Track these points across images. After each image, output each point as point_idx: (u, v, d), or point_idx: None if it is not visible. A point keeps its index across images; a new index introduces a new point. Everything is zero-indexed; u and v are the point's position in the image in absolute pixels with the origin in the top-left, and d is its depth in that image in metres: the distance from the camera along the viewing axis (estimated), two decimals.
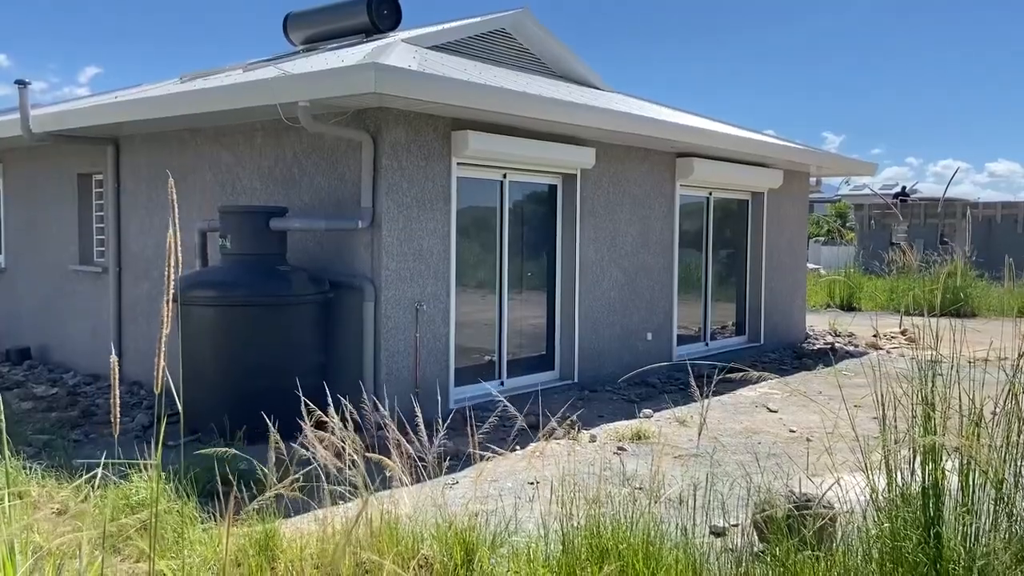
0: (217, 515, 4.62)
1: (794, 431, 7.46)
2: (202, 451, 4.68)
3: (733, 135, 10.65)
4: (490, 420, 7.90)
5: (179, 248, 2.73)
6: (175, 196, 2.86)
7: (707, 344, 11.92)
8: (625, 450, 6.68)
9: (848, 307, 20.12)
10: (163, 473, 5.27)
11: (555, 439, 6.96)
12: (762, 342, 12.72)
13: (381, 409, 7.07)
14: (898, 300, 19.72)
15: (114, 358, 2.86)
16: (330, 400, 4.66)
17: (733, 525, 4.58)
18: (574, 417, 7.59)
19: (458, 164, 7.98)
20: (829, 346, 13.18)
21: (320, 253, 7.78)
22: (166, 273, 2.54)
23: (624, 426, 7.38)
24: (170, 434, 7.24)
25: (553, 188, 9.37)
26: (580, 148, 9.09)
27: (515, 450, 6.64)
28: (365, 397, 7.45)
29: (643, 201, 10.35)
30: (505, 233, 8.76)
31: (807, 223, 14.33)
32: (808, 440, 7.07)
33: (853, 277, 21.12)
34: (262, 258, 7.02)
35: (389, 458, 4.33)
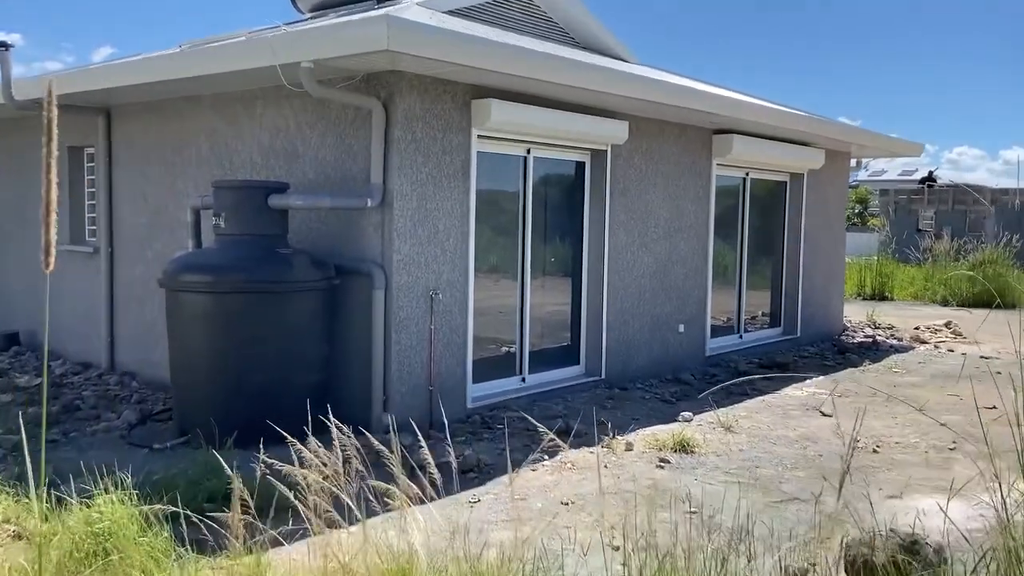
0: (195, 545, 3.88)
1: (857, 441, 6.65)
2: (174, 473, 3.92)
3: (778, 110, 9.80)
4: (513, 423, 7.17)
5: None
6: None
7: (741, 336, 11.12)
8: (668, 462, 5.89)
9: (880, 296, 19.23)
10: (141, 487, 4.53)
11: (586, 447, 6.20)
12: (798, 334, 11.91)
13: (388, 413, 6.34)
14: (934, 289, 18.84)
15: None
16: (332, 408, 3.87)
17: (811, 564, 3.80)
18: (605, 420, 6.84)
19: (478, 137, 7.18)
20: (870, 339, 12.35)
21: (325, 235, 7.02)
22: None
23: (663, 432, 6.61)
24: (158, 435, 6.53)
25: (580, 166, 8.56)
26: (612, 122, 8.27)
27: (543, 460, 5.88)
28: (373, 395, 6.73)
29: (677, 181, 9.54)
30: (528, 214, 7.97)
31: (846, 207, 13.46)
32: (875, 451, 6.29)
33: (885, 265, 20.21)
34: (260, 239, 6.27)
35: (399, 474, 3.59)
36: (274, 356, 6.08)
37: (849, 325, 13.56)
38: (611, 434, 6.46)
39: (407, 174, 6.61)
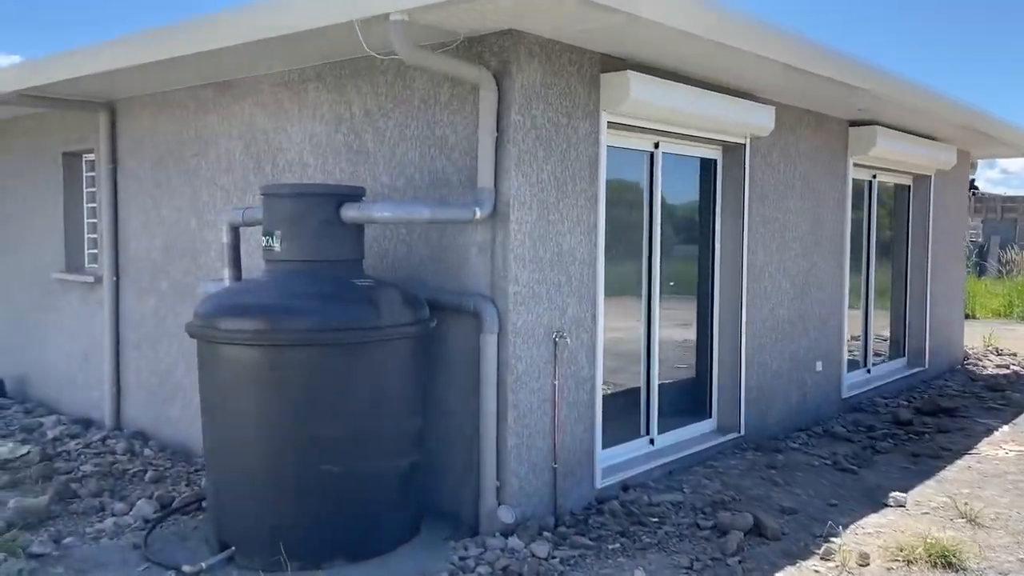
0: None
1: None
2: None
3: (940, 95, 7.90)
4: (668, 514, 5.29)
5: None
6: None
7: (868, 371, 9.27)
8: None
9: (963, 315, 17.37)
10: None
11: (798, 558, 4.35)
12: (926, 366, 10.06)
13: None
14: (1023, 306, 17.02)
15: None
16: None
17: None
18: (792, 506, 5.01)
19: (608, 124, 5.38)
20: (1006, 369, 10.51)
21: (404, 260, 5.21)
22: None
23: (882, 526, 4.77)
24: (186, 541, 4.68)
25: (709, 164, 6.75)
26: (758, 106, 6.48)
27: None
28: (483, 482, 4.89)
29: (815, 184, 7.73)
30: (656, 227, 6.15)
31: (968, 215, 11.65)
32: None
33: (967, 281, 18.35)
34: (330, 267, 4.45)
35: None
36: (352, 433, 4.25)
37: (969, 352, 11.71)
38: (820, 534, 4.62)
39: (526, 174, 4.80)
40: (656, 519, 4.90)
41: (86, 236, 8.06)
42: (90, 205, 7.96)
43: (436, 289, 4.98)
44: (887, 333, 9.87)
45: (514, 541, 4.54)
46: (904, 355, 10.12)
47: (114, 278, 7.35)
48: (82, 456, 6.40)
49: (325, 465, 4.18)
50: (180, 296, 6.75)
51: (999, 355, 11.68)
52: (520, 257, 4.78)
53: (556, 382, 5.04)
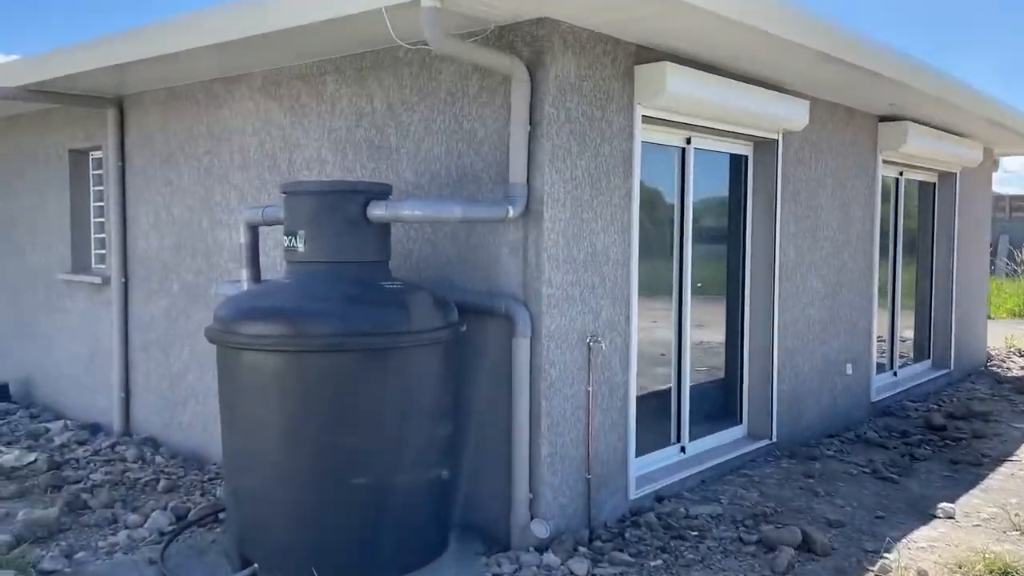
0: None
1: None
2: None
3: (971, 89, 7.66)
4: (708, 527, 5.05)
5: None
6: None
7: (895, 374, 9.03)
8: None
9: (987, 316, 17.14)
10: None
11: (848, 573, 4.12)
12: (951, 368, 9.82)
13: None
14: None
15: None
16: None
17: None
18: (839, 519, 4.77)
19: (643, 118, 5.15)
20: None
21: (429, 260, 4.98)
22: None
23: (934, 539, 4.55)
24: (205, 555, 4.45)
25: (739, 160, 6.51)
26: (793, 100, 6.25)
27: None
28: (515, 493, 4.66)
29: (844, 181, 7.50)
30: (688, 226, 5.92)
31: (990, 214, 11.41)
32: None
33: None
34: (357, 268, 4.21)
35: None
36: (380, 443, 4.02)
37: (992, 354, 11.47)
38: (872, 549, 4.39)
39: (560, 170, 4.57)
40: (696, 533, 4.67)
41: (93, 236, 7.83)
42: (97, 204, 7.74)
43: (464, 291, 4.75)
44: (911, 335, 9.63)
45: (550, 557, 4.31)
46: (929, 357, 9.89)
47: (122, 279, 7.12)
48: (91, 464, 6.17)
49: (353, 477, 3.95)
50: (192, 298, 6.53)
51: (1022, 356, 11.43)
52: (554, 257, 4.55)
53: (590, 388, 4.81)
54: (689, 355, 6.00)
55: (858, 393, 7.84)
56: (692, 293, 5.99)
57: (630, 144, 5.04)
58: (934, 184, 9.79)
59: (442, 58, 4.82)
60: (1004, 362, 10.96)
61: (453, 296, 4.60)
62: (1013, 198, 32.68)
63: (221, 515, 4.99)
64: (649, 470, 5.54)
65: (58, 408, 7.93)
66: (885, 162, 8.24)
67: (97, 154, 7.64)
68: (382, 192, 4.36)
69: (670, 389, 5.95)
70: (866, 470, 5.97)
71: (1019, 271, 18.87)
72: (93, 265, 7.82)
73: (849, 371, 7.63)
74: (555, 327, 4.58)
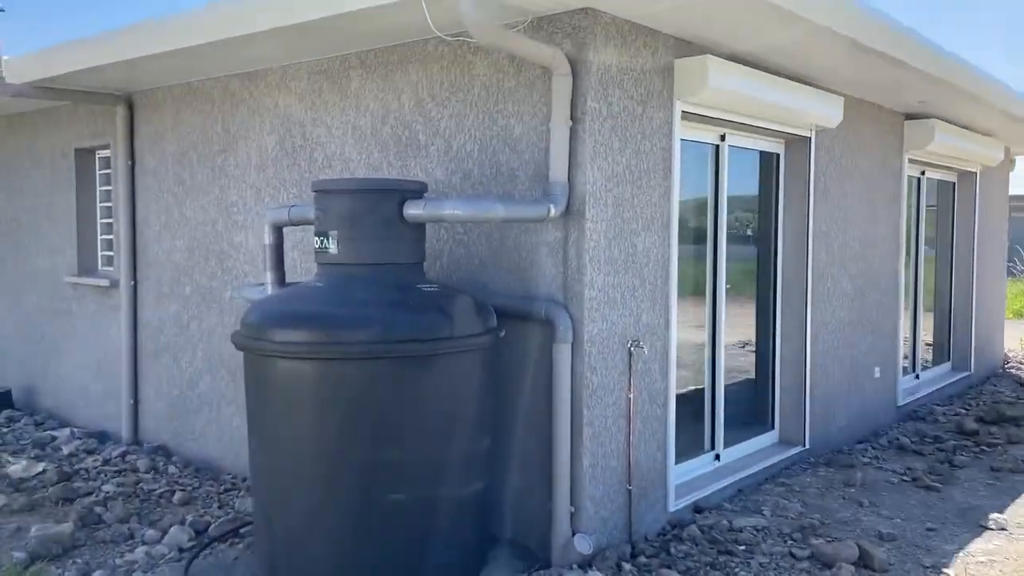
0: None
1: None
2: None
3: (998, 82, 7.46)
4: (755, 541, 4.84)
5: None
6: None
7: (917, 376, 8.87)
8: None
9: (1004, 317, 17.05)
10: None
11: None
12: (971, 370, 9.67)
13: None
14: None
15: None
16: None
17: None
18: (892, 531, 4.59)
19: (682, 114, 4.96)
20: None
21: (463, 261, 4.77)
22: None
23: (991, 553, 4.37)
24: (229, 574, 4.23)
25: (770, 158, 6.33)
26: (828, 96, 6.07)
27: None
28: (555, 507, 4.45)
29: (871, 180, 7.32)
30: (722, 226, 5.73)
31: (1007, 214, 11.27)
32: None
33: None
34: (393, 271, 4.01)
35: None
36: (421, 456, 3.81)
37: (1009, 356, 11.33)
38: (930, 564, 4.20)
39: (601, 167, 4.37)
40: (744, 547, 4.47)
41: (99, 237, 7.60)
42: (103, 204, 7.51)
43: (498, 294, 4.55)
44: (929, 337, 9.47)
45: (594, 575, 4.11)
46: (949, 359, 9.73)
47: (132, 282, 6.89)
48: (102, 475, 5.94)
49: (393, 493, 3.74)
50: (205, 302, 6.30)
51: None
52: (596, 258, 4.35)
53: (631, 395, 4.61)
54: (723, 359, 5.81)
55: (885, 397, 7.66)
56: (726, 299, 5.80)
57: (669, 140, 4.85)
58: (953, 183, 9.63)
59: (475, 52, 4.62)
60: (1022, 364, 10.80)
61: (487, 299, 4.40)
62: (1013, 198, 32.59)
63: (243, 530, 4.78)
64: (684, 480, 5.35)
65: (63, 415, 7.70)
66: (918, 161, 8.08)
67: (104, 153, 7.41)
68: (418, 190, 4.15)
69: (702, 394, 5.76)
70: (906, 478, 5.78)
71: (1018, 272, 18.79)
72: (100, 267, 7.59)
73: (877, 374, 7.45)
74: (596, 331, 4.38)
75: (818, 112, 5.99)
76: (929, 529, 4.80)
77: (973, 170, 9.50)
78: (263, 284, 4.77)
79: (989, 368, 10.38)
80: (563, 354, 4.29)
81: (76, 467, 6.11)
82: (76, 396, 7.57)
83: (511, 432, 4.53)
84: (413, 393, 3.78)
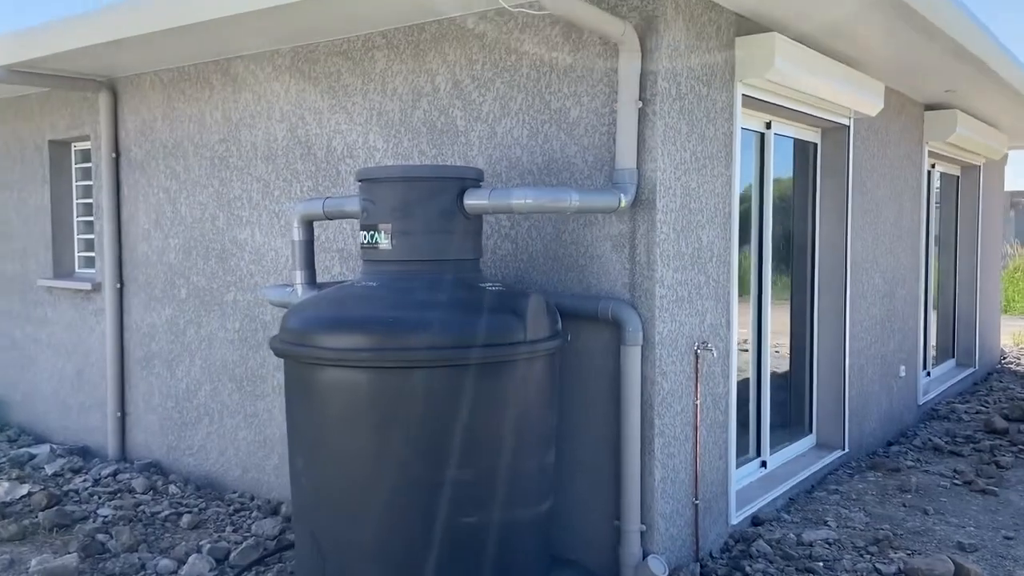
0: None
1: None
2: None
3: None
4: (828, 558, 4.50)
5: None
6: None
7: (928, 373, 8.68)
8: None
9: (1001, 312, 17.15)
10: None
11: None
12: (975, 367, 9.54)
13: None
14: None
15: None
16: None
17: None
18: (975, 543, 4.29)
19: (744, 98, 4.60)
20: None
21: (511, 257, 4.36)
22: None
23: None
24: None
25: (808, 147, 6.03)
26: (869, 81, 5.79)
27: None
28: (625, 524, 4.06)
29: (897, 172, 7.08)
30: (768, 217, 5.41)
31: (1004, 207, 11.19)
32: None
33: None
34: (454, 268, 3.58)
35: None
36: (492, 473, 3.39)
37: (1005, 351, 11.26)
38: None
39: (671, 154, 3.99)
40: (822, 563, 4.13)
41: (77, 237, 7.00)
42: (81, 201, 6.92)
43: (555, 293, 4.15)
44: (934, 333, 9.30)
45: None
46: (953, 356, 9.59)
47: (117, 285, 6.33)
48: (95, 496, 5.39)
49: (462, 516, 3.32)
50: (204, 305, 5.79)
51: None
52: (665, 253, 3.97)
53: (698, 401, 4.24)
54: (769, 359, 5.48)
55: (908, 396, 7.43)
56: (771, 295, 5.47)
57: (730, 125, 4.50)
58: (957, 177, 9.49)
59: (523, 28, 4.21)
60: (1020, 359, 10.74)
61: (554, 300, 3.99)
62: (1013, 193, 33.12)
63: (268, 559, 4.31)
64: (740, 485, 5.02)
65: (38, 431, 7.09)
66: (937, 154, 7.88)
67: (82, 145, 6.82)
68: (476, 178, 3.72)
69: (746, 397, 5.42)
70: (957, 482, 5.52)
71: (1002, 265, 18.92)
72: (78, 269, 6.99)
73: (903, 373, 7.22)
74: (667, 332, 4.01)
75: (860, 98, 5.68)
76: (1007, 538, 4.51)
77: (977, 164, 9.36)
78: (292, 285, 4.29)
79: (990, 364, 10.28)
80: (632, 357, 3.90)
81: (64, 488, 5.54)
82: (53, 409, 6.97)
83: (572, 444, 4.13)
84: (485, 404, 3.35)
